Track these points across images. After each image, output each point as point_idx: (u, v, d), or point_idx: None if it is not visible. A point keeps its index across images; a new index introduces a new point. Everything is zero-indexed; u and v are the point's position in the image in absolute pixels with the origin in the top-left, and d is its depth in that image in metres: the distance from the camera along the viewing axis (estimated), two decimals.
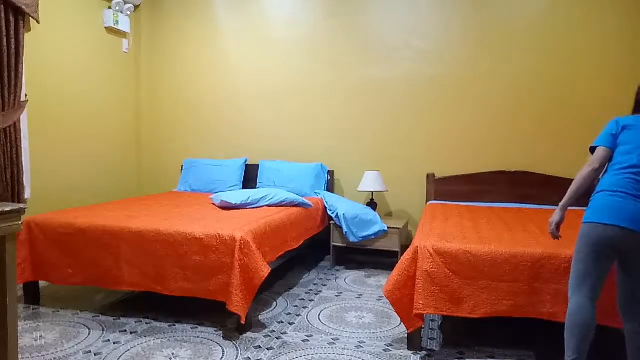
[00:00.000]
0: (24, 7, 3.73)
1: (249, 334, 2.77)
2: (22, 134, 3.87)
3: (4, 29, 3.61)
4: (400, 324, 2.89)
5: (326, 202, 4.31)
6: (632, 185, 2.00)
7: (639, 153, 2.03)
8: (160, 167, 5.37)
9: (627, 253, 2.01)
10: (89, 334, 2.76)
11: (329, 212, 4.25)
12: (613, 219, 1.97)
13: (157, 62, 5.31)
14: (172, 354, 2.51)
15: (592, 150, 2.21)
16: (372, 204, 4.43)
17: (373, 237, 4.07)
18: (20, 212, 1.81)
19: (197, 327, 2.87)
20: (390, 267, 4.06)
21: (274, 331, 2.83)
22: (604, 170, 2.16)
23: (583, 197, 2.20)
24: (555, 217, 2.25)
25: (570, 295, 2.08)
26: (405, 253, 2.59)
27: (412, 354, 2.56)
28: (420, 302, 2.45)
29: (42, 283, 3.33)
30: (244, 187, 4.80)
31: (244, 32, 5.01)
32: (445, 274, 2.45)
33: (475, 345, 2.66)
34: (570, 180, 4.36)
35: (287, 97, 4.90)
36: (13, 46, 3.69)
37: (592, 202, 2.11)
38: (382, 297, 3.44)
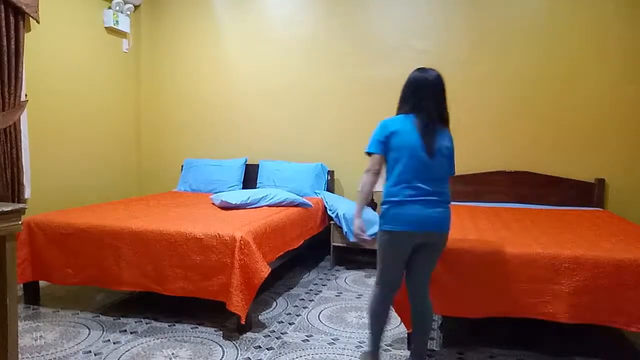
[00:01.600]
0: (24, 7, 3.73)
1: (249, 334, 2.77)
2: (22, 134, 3.87)
3: (4, 29, 3.61)
4: (400, 324, 2.88)
5: (326, 202, 4.31)
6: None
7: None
8: (160, 167, 5.36)
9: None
10: (89, 334, 2.76)
11: (329, 212, 4.25)
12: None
13: (157, 62, 5.31)
14: (172, 354, 2.51)
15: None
16: (372, 204, 4.43)
17: (373, 237, 4.06)
18: (20, 212, 1.81)
19: (197, 327, 2.87)
20: None
21: (274, 331, 2.83)
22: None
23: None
24: (358, 223, 2.33)
25: (378, 285, 2.24)
26: None
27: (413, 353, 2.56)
28: None
29: (42, 283, 3.33)
30: (244, 187, 4.80)
31: (244, 32, 5.01)
32: (445, 274, 2.45)
33: (475, 345, 2.66)
34: (571, 180, 4.38)
35: (287, 97, 4.90)
36: (13, 46, 3.68)
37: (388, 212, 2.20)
38: None
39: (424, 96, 2.17)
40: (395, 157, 2.14)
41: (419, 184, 2.11)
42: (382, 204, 2.22)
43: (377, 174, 2.21)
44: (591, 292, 2.29)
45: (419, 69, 2.28)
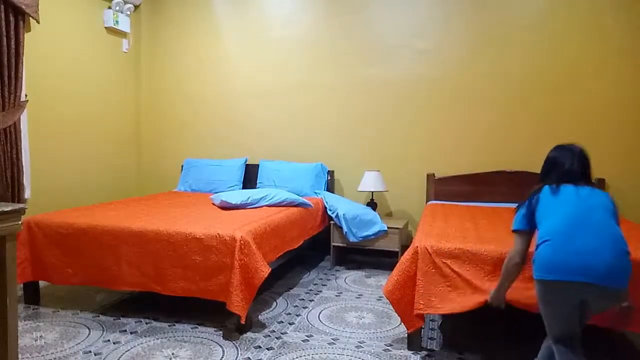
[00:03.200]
0: (24, 7, 3.73)
1: (249, 334, 2.77)
2: (22, 134, 3.87)
3: (4, 29, 3.61)
4: (400, 324, 2.89)
5: (326, 202, 4.31)
6: None
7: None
8: (160, 167, 5.37)
9: None
10: (89, 334, 2.76)
11: (329, 212, 4.25)
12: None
13: (157, 62, 5.32)
14: (172, 354, 2.51)
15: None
16: (372, 204, 4.43)
17: (373, 237, 4.07)
18: (20, 212, 1.81)
19: (197, 327, 2.87)
20: (390, 267, 4.06)
21: (274, 331, 2.83)
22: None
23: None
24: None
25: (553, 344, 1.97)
26: (405, 253, 2.59)
27: (412, 354, 2.56)
28: (421, 302, 2.45)
29: (42, 283, 3.33)
30: (244, 187, 4.80)
31: (244, 31, 5.01)
32: (445, 274, 2.45)
33: (475, 345, 2.66)
34: None
35: (287, 97, 4.90)
36: (13, 46, 3.69)
37: None
38: (382, 297, 3.44)
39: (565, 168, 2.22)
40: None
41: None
42: None
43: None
44: None
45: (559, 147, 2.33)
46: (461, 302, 2.43)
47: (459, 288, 2.44)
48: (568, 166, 2.21)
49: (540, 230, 2.00)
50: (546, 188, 2.11)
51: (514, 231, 2.11)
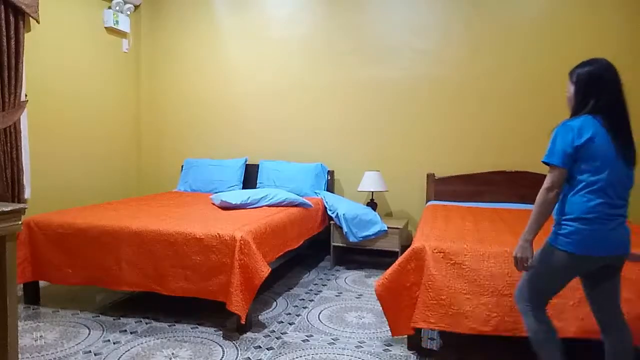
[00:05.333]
0: (24, 7, 3.73)
1: (249, 334, 2.77)
2: (22, 134, 3.87)
3: (4, 29, 3.61)
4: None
5: (326, 202, 4.31)
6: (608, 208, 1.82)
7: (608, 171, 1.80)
8: (160, 167, 5.37)
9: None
10: (89, 334, 2.76)
11: (329, 212, 4.25)
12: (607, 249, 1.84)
13: (157, 62, 5.31)
14: (172, 354, 2.51)
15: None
16: (372, 204, 4.43)
17: (373, 237, 4.07)
18: (20, 212, 1.81)
19: (197, 327, 2.87)
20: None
21: (274, 331, 2.83)
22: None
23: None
24: (527, 252, 1.87)
25: (534, 309, 1.94)
26: (403, 255, 2.53)
27: (412, 354, 2.56)
28: (417, 315, 2.38)
29: (42, 283, 3.33)
30: (244, 187, 4.80)
31: (244, 32, 5.01)
32: (445, 277, 2.42)
33: (475, 346, 2.66)
34: None
35: (287, 97, 4.90)
36: (13, 46, 3.69)
37: (584, 231, 1.80)
38: None
39: (612, 94, 1.90)
40: (591, 167, 1.80)
41: (616, 201, 1.81)
42: (570, 221, 1.83)
43: (559, 194, 1.86)
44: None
45: (590, 62, 1.97)
46: (457, 321, 2.36)
47: (459, 295, 2.38)
48: (617, 92, 1.89)
49: (588, 195, 1.78)
50: (599, 126, 1.81)
51: (551, 164, 1.83)
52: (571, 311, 2.25)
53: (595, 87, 1.88)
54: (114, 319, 2.98)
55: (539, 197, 1.85)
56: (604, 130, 1.81)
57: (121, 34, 5.06)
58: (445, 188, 4.41)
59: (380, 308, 2.54)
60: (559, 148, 1.82)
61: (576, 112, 1.93)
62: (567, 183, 1.86)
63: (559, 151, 1.82)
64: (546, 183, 1.84)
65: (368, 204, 4.45)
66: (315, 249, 4.50)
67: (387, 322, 2.54)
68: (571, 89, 1.98)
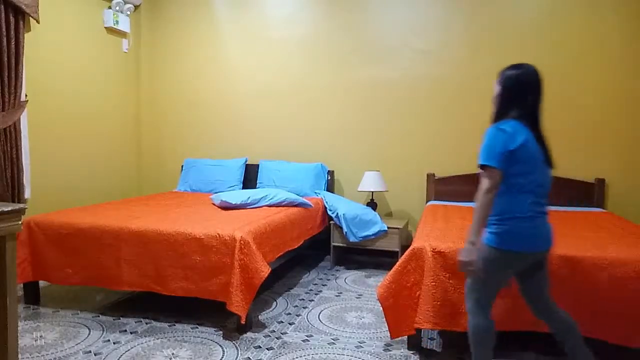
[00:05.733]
0: (24, 7, 3.73)
1: (249, 334, 2.77)
2: (22, 134, 3.87)
3: (4, 29, 3.61)
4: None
5: (326, 202, 4.31)
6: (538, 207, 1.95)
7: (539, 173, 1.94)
8: (160, 167, 5.37)
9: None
10: (89, 334, 2.76)
11: (329, 212, 4.25)
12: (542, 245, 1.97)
13: (157, 62, 5.31)
14: (172, 354, 2.51)
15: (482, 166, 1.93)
16: (372, 204, 4.43)
17: (373, 237, 4.06)
18: (20, 212, 1.81)
19: (197, 327, 2.87)
20: (390, 267, 4.05)
21: (274, 331, 2.83)
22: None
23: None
24: (472, 255, 1.90)
25: (480, 308, 1.99)
26: (403, 256, 2.54)
27: (412, 354, 2.56)
28: (421, 317, 2.39)
29: (42, 283, 3.33)
30: (244, 187, 4.80)
31: (244, 32, 5.01)
32: (445, 277, 2.42)
33: None
34: (571, 180, 4.38)
35: (287, 97, 4.90)
36: (13, 46, 3.68)
37: (518, 229, 1.90)
38: None
39: (532, 98, 1.96)
40: (522, 170, 1.90)
41: (541, 199, 1.95)
42: (504, 220, 1.92)
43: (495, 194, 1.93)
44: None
45: (515, 66, 2.01)
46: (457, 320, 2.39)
47: (457, 301, 2.38)
48: (536, 97, 1.97)
49: (519, 195, 1.89)
50: (527, 131, 1.91)
51: (489, 167, 1.89)
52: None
53: (521, 91, 1.97)
54: (114, 319, 2.98)
55: (480, 200, 1.91)
56: (531, 134, 1.93)
57: (121, 34, 5.06)
58: (445, 188, 4.41)
59: (381, 308, 2.54)
60: (496, 151, 1.88)
61: (500, 113, 2.00)
62: (502, 184, 1.92)
63: (496, 154, 1.88)
64: (485, 185, 1.90)
65: (368, 204, 4.45)
66: (315, 249, 4.50)
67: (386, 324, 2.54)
68: (497, 89, 2.05)
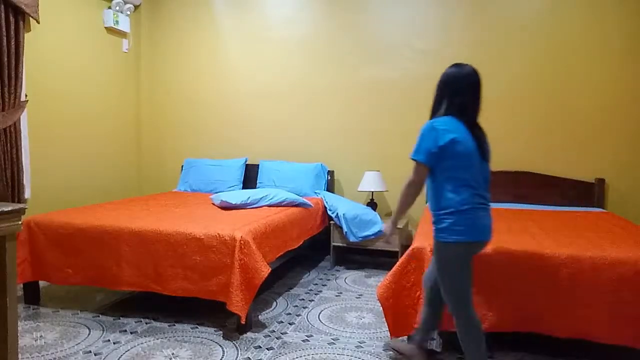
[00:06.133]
0: (24, 7, 3.73)
1: (249, 334, 2.77)
2: (22, 134, 3.87)
3: (4, 29, 3.61)
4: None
5: (326, 202, 4.31)
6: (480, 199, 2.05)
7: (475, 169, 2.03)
8: (160, 167, 5.37)
9: None
10: (89, 334, 2.76)
11: (329, 212, 4.25)
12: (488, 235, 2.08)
13: (157, 62, 5.31)
14: (172, 354, 2.51)
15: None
16: (372, 204, 4.43)
17: (373, 237, 4.06)
18: (20, 212, 1.81)
19: (197, 327, 2.87)
20: (390, 268, 4.05)
21: (274, 331, 2.83)
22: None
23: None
24: (390, 230, 2.30)
25: (463, 309, 2.06)
26: (402, 257, 2.54)
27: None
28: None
29: (42, 283, 3.33)
30: (244, 187, 4.80)
31: (244, 32, 5.01)
32: None
33: None
34: (571, 180, 4.38)
35: (287, 97, 4.90)
36: (13, 46, 3.68)
37: (464, 221, 1.99)
38: None
39: (469, 95, 2.05)
40: (457, 164, 2.00)
41: (481, 191, 2.04)
42: (450, 215, 2.01)
43: (422, 188, 2.12)
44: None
45: (456, 65, 2.11)
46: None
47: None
48: (472, 96, 2.07)
49: (459, 189, 1.99)
50: (461, 126, 2.01)
51: (417, 161, 2.08)
52: (563, 313, 2.30)
53: (457, 89, 2.05)
54: (114, 319, 2.98)
55: (403, 190, 2.11)
56: (465, 129, 2.01)
57: (121, 34, 5.06)
58: None
59: (381, 308, 2.54)
60: (424, 147, 2.03)
61: (434, 109, 2.14)
62: (440, 179, 2.04)
63: (424, 150, 2.03)
64: (410, 177, 2.09)
65: (368, 204, 4.45)
66: (315, 249, 4.50)
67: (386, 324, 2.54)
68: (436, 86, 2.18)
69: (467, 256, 2.05)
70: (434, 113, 2.12)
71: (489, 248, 2.43)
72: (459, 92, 2.04)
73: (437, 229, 2.05)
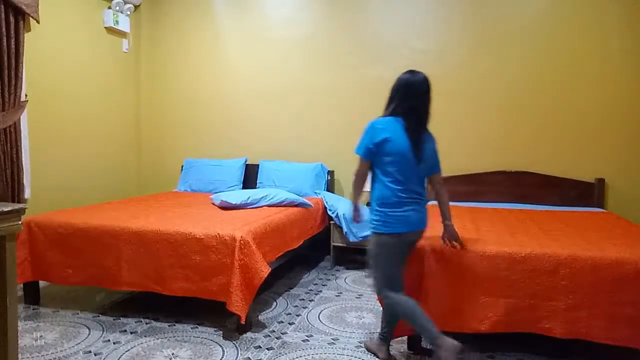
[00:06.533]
0: (24, 7, 3.73)
1: (249, 334, 2.77)
2: (22, 134, 3.87)
3: (4, 29, 3.61)
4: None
5: (326, 202, 4.31)
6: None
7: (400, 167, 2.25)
8: (160, 167, 5.37)
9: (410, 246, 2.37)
10: (89, 334, 2.76)
11: (329, 212, 4.25)
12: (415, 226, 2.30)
13: (157, 62, 5.31)
14: (172, 354, 2.51)
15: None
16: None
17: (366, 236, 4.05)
18: (20, 212, 1.81)
19: (197, 327, 2.87)
20: None
21: (274, 331, 2.83)
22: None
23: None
24: (349, 214, 2.69)
25: (387, 292, 2.29)
26: None
27: (412, 354, 2.56)
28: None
29: (42, 283, 3.33)
30: (244, 187, 4.80)
31: (244, 32, 5.01)
32: (445, 277, 2.42)
33: (475, 346, 2.66)
34: (571, 180, 4.38)
35: (287, 97, 4.90)
36: (13, 46, 3.68)
37: (392, 214, 2.25)
38: None
39: (415, 100, 2.27)
40: (388, 161, 2.24)
41: (411, 187, 2.26)
42: (379, 206, 2.29)
43: (365, 179, 2.39)
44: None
45: (409, 71, 2.34)
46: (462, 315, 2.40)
47: (456, 301, 2.39)
48: (419, 101, 2.29)
49: (389, 183, 2.23)
50: (399, 127, 2.24)
51: (358, 155, 2.33)
52: (562, 314, 2.29)
53: (402, 93, 2.29)
54: (114, 319, 2.98)
55: (353, 181, 2.43)
56: (402, 131, 2.24)
57: (121, 34, 5.06)
58: None
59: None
60: (364, 143, 2.29)
61: (385, 111, 2.36)
62: (377, 172, 2.30)
63: (363, 146, 2.29)
64: (355, 169, 2.37)
65: (368, 204, 4.44)
66: (315, 249, 4.49)
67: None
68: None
69: (396, 246, 2.27)
70: (384, 113, 2.35)
71: (489, 248, 2.44)
72: (407, 97, 2.27)
73: (371, 220, 2.31)
